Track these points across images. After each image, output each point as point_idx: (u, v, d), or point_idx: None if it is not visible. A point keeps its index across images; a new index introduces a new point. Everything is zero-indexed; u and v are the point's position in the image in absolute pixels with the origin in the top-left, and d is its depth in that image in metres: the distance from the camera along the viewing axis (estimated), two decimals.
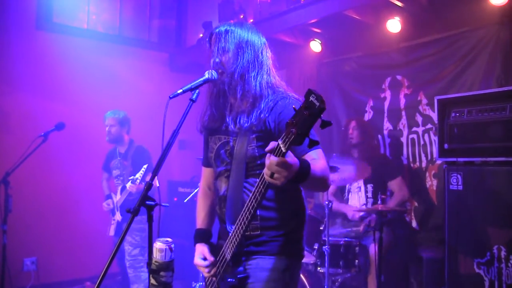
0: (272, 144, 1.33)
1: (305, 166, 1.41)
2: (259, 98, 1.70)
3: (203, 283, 1.94)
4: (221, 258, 1.77)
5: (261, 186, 1.46)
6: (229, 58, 1.73)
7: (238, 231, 1.61)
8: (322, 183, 1.58)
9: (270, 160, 1.30)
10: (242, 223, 1.58)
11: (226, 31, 1.75)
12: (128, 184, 3.75)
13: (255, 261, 1.71)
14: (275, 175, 1.32)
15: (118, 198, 4.00)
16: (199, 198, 2.06)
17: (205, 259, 1.82)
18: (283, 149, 1.27)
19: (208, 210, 2.02)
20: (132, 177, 3.72)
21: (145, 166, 3.70)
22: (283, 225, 1.73)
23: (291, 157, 1.33)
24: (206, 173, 2.04)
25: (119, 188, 4.02)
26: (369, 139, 3.94)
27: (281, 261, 1.70)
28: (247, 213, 1.54)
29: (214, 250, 1.85)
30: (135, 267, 3.85)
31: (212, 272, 1.79)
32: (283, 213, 1.74)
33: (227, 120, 1.77)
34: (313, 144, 1.26)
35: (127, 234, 3.76)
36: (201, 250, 1.85)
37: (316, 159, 1.57)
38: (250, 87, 1.70)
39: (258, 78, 1.72)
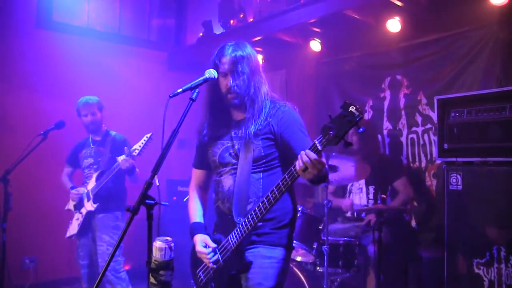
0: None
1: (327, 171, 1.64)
2: (263, 108, 1.93)
3: (200, 272, 1.98)
4: (222, 247, 1.89)
5: (289, 180, 1.65)
6: (244, 81, 1.91)
7: (252, 220, 1.77)
8: (324, 181, 1.80)
9: (309, 155, 1.50)
10: (259, 212, 1.75)
11: (242, 57, 1.91)
12: (121, 157, 3.30)
13: (257, 249, 1.89)
14: (309, 169, 1.52)
15: (91, 186, 3.58)
16: (191, 195, 2.21)
17: (206, 246, 1.93)
18: (320, 147, 1.50)
19: (201, 206, 2.18)
20: (128, 149, 3.30)
21: (148, 135, 3.32)
22: (281, 218, 1.94)
23: (324, 158, 1.56)
24: (197, 174, 2.24)
25: (94, 175, 3.60)
26: (370, 140, 3.93)
27: (280, 251, 1.91)
28: (267, 203, 1.73)
29: (212, 241, 1.96)
30: (115, 269, 3.53)
31: (214, 259, 1.90)
32: (282, 207, 1.94)
33: (233, 128, 1.98)
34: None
35: (102, 232, 3.50)
36: (203, 239, 1.96)
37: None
38: (260, 103, 1.92)
39: (264, 94, 1.95)
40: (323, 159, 1.54)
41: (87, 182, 3.67)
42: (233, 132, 1.98)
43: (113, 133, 3.79)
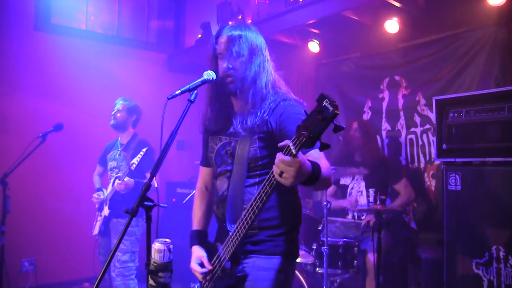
0: (284, 142, 1.33)
1: (316, 169, 1.42)
2: (264, 99, 1.75)
3: (199, 284, 1.92)
4: (218, 257, 1.78)
5: (268, 187, 1.46)
6: (242, 63, 1.75)
7: (240, 231, 1.62)
8: (327, 183, 1.58)
9: (280, 158, 1.31)
10: (245, 222, 1.59)
11: (239, 36, 1.76)
12: (117, 181, 3.51)
13: (251, 260, 1.74)
14: (284, 174, 1.33)
15: (109, 191, 3.71)
16: (196, 199, 2.07)
17: (202, 265, 1.82)
18: (294, 151, 1.28)
19: (204, 210, 2.03)
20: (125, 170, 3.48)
21: (144, 149, 3.45)
22: (280, 225, 1.76)
23: (302, 159, 1.33)
24: (204, 172, 2.06)
25: (112, 180, 3.71)
26: (370, 141, 3.92)
27: (276, 261, 1.73)
28: (251, 213, 1.55)
29: (211, 250, 1.85)
30: (124, 275, 3.55)
31: (207, 277, 1.80)
32: (281, 213, 1.76)
33: (233, 121, 1.80)
34: (325, 147, 1.27)
35: (115, 238, 3.56)
36: (199, 255, 1.85)
37: (319, 158, 1.57)
38: (260, 91, 1.74)
39: (265, 81, 1.77)
40: (298, 158, 1.32)
41: (107, 186, 3.79)
42: (232, 127, 1.80)
43: (138, 138, 3.83)
